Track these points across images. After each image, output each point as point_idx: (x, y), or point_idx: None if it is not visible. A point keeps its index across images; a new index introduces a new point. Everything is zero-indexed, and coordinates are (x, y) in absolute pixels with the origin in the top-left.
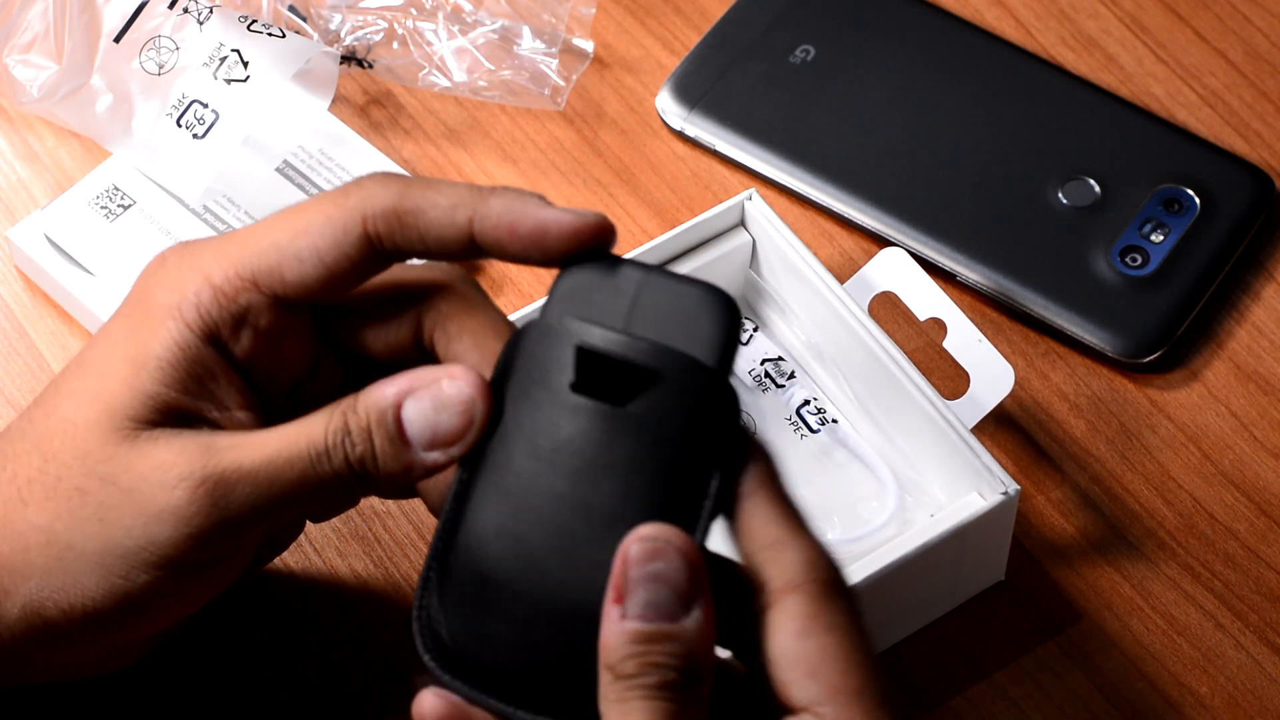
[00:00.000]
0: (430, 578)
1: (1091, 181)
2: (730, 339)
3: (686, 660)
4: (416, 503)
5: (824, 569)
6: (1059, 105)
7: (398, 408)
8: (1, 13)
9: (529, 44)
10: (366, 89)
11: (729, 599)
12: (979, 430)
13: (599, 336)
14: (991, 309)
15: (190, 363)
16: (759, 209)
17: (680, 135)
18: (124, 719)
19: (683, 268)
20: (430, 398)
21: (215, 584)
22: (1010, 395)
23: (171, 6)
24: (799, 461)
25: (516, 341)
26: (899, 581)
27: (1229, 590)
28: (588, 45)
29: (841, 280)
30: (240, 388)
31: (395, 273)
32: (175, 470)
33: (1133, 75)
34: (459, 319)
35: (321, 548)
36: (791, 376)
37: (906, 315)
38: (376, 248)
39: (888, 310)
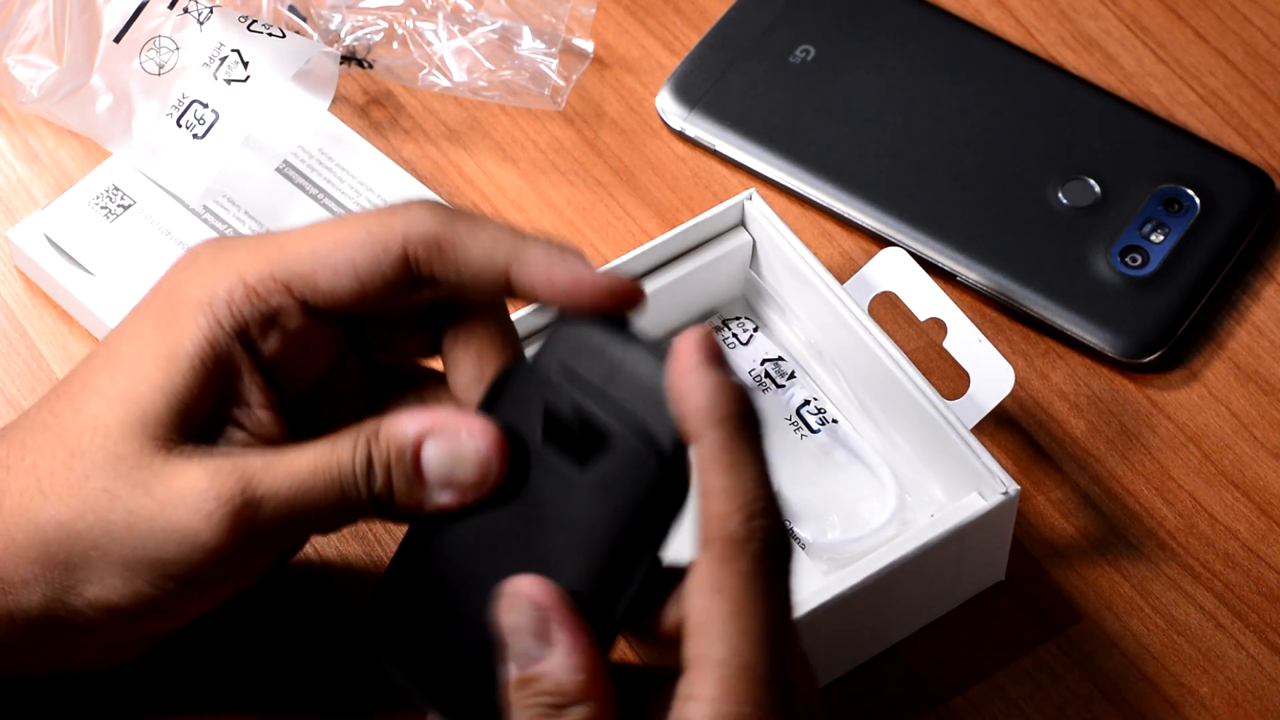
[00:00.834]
0: (391, 574)
1: (1091, 181)
2: None
3: (553, 694)
4: None
5: (735, 523)
6: (1059, 105)
7: (418, 448)
8: (1, 13)
9: (529, 44)
10: (366, 89)
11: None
12: (979, 430)
13: (569, 398)
14: (991, 309)
15: (220, 360)
16: (759, 209)
17: (680, 135)
18: (125, 715)
19: (683, 268)
20: (449, 446)
21: (236, 588)
22: (1010, 395)
23: (171, 6)
24: (799, 461)
25: (506, 378)
26: (899, 581)
27: (1229, 590)
28: (588, 45)
29: (841, 280)
30: (263, 386)
31: None
32: (212, 494)
33: (1133, 75)
34: (470, 326)
35: (321, 546)
36: (791, 376)
37: (906, 315)
38: (413, 272)
39: (888, 310)
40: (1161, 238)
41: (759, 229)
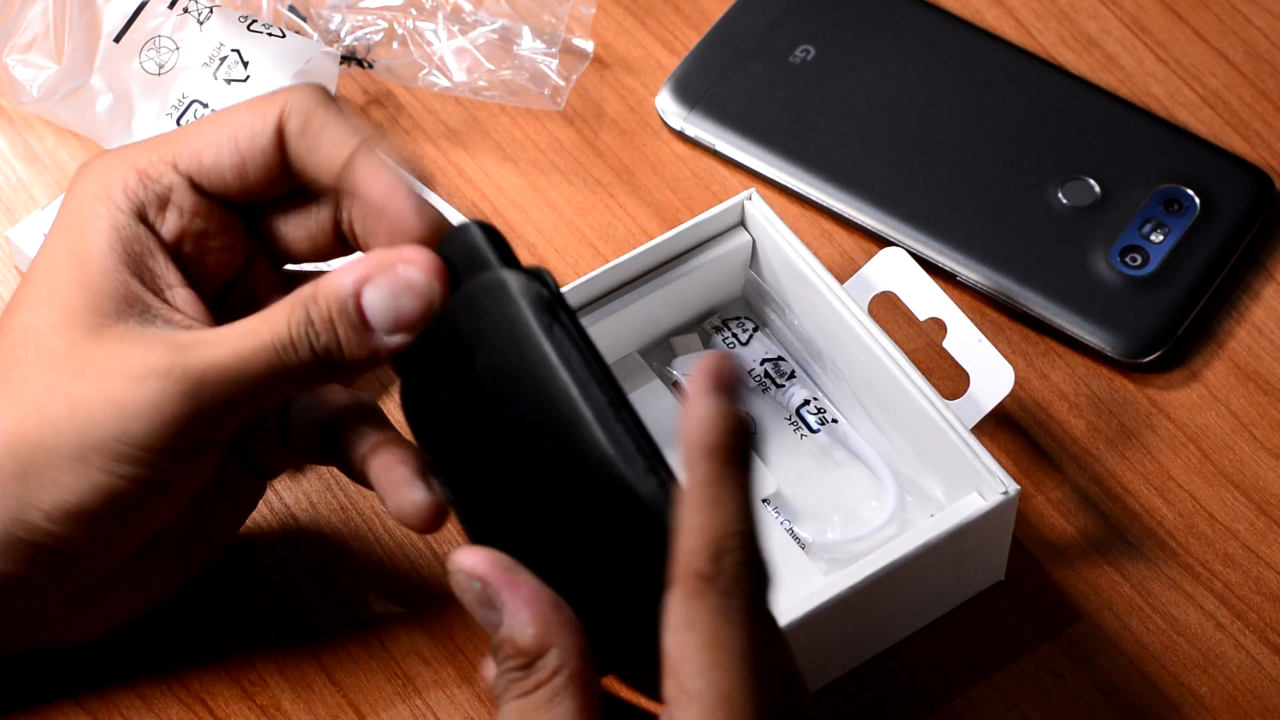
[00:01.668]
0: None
1: (1091, 181)
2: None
3: (515, 655)
4: None
5: (702, 560)
6: (1059, 105)
7: (357, 296)
8: (1, 13)
9: (529, 44)
10: (366, 89)
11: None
12: (979, 430)
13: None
14: (991, 309)
15: (125, 242)
16: (759, 209)
17: (680, 135)
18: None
19: (683, 268)
20: (389, 283)
21: (196, 476)
22: (1010, 395)
23: (171, 6)
24: (799, 461)
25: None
26: (899, 581)
27: (1229, 590)
28: (588, 45)
29: (841, 280)
30: (175, 267)
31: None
32: (143, 363)
33: (1133, 75)
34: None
35: (321, 545)
36: (791, 376)
37: (906, 315)
38: (286, 152)
39: (888, 310)
40: (1161, 238)
41: (759, 229)
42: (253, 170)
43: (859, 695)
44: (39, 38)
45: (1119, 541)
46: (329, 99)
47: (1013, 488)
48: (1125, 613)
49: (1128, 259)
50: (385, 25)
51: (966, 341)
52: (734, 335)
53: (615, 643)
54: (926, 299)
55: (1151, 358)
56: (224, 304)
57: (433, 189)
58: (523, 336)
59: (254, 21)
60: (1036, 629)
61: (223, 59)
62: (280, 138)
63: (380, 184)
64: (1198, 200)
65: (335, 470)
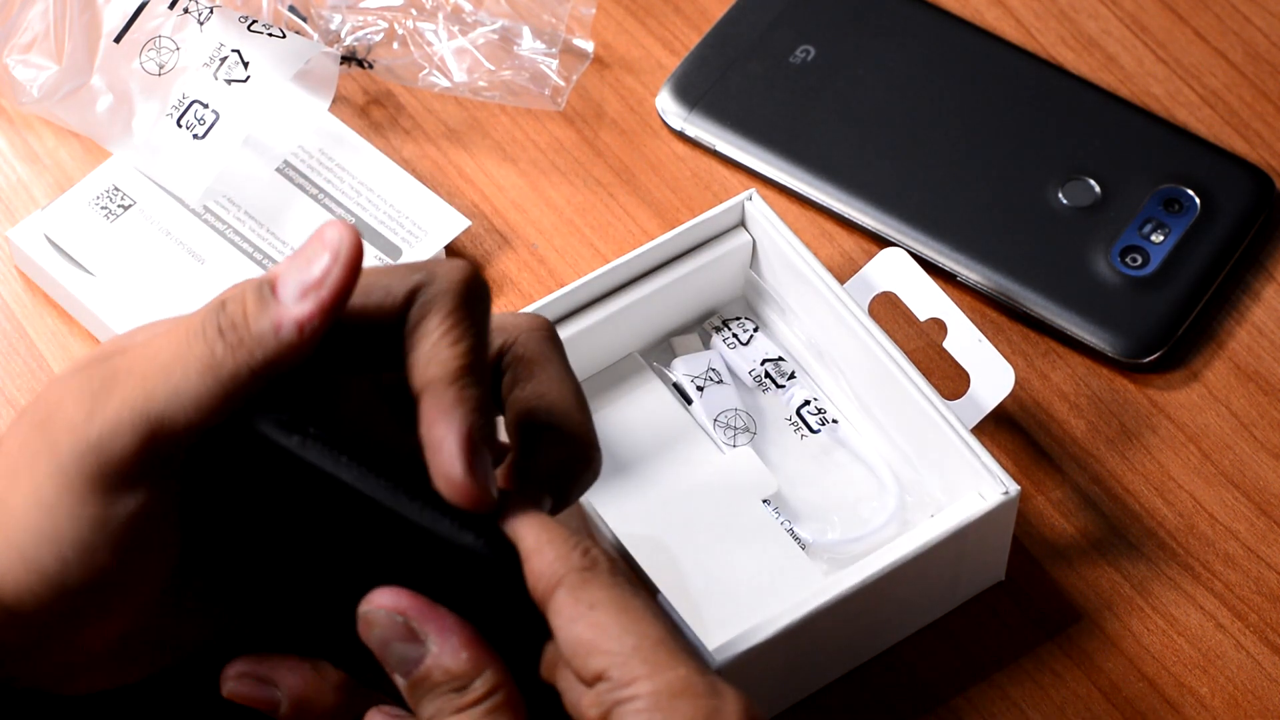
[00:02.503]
0: None
1: (1091, 181)
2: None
3: (447, 681)
4: None
5: (575, 559)
6: (1059, 105)
7: (275, 277)
8: (1, 13)
9: (529, 44)
10: (366, 89)
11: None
12: (979, 430)
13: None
14: (991, 309)
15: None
16: (759, 209)
17: (680, 135)
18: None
19: (683, 268)
20: (302, 258)
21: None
22: (1010, 395)
23: (171, 6)
24: (799, 461)
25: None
26: (899, 581)
27: (1229, 590)
28: (588, 45)
29: (841, 280)
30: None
31: None
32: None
33: (1133, 75)
34: None
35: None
36: (791, 376)
37: (906, 315)
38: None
39: (888, 310)
40: (1161, 238)
41: (759, 229)
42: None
43: (859, 695)
44: (39, 38)
45: (1119, 541)
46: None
47: (1013, 488)
48: (1125, 613)
49: (1128, 259)
50: (385, 25)
51: (966, 341)
52: (734, 335)
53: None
54: (926, 299)
55: (1151, 358)
56: None
57: (433, 189)
58: (288, 465)
59: (254, 22)
60: (1036, 629)
61: (223, 59)
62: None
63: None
64: (1198, 200)
65: None
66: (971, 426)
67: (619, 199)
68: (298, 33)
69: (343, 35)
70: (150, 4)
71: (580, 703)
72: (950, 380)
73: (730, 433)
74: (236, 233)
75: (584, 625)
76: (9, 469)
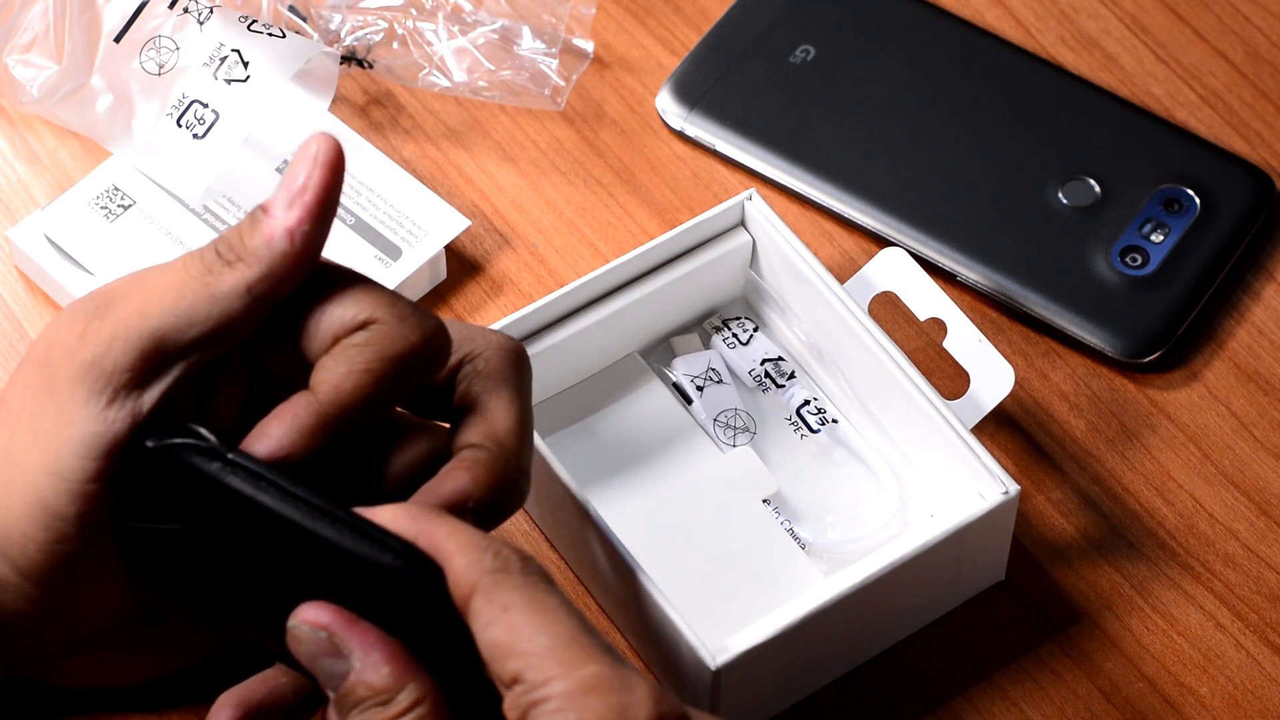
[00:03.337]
0: None
1: (1091, 181)
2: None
3: (372, 695)
4: None
5: (486, 562)
6: (1059, 105)
7: (268, 201)
8: (1, 13)
9: (529, 44)
10: (366, 89)
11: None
12: (979, 430)
13: None
14: (991, 309)
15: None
16: (759, 209)
17: (680, 135)
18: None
19: (683, 268)
20: (289, 175)
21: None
22: (1010, 395)
23: (171, 6)
24: (799, 461)
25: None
26: (899, 581)
27: (1229, 590)
28: (588, 45)
29: (841, 280)
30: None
31: None
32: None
33: (1133, 75)
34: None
35: None
36: (791, 376)
37: (906, 315)
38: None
39: (888, 310)
40: (1161, 238)
41: (759, 229)
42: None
43: (859, 695)
44: (39, 38)
45: (1119, 541)
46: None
47: (1013, 488)
48: (1125, 613)
49: (1128, 259)
50: (385, 25)
51: (966, 341)
52: (734, 335)
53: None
54: (926, 299)
55: (1151, 358)
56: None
57: (433, 189)
58: (213, 491)
59: (254, 21)
60: (1036, 629)
61: (223, 59)
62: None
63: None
64: (1198, 200)
65: None
66: (971, 426)
67: (619, 199)
68: (298, 33)
69: (343, 35)
70: (150, 4)
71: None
72: (950, 380)
73: (730, 432)
74: None
75: (499, 628)
76: (11, 413)
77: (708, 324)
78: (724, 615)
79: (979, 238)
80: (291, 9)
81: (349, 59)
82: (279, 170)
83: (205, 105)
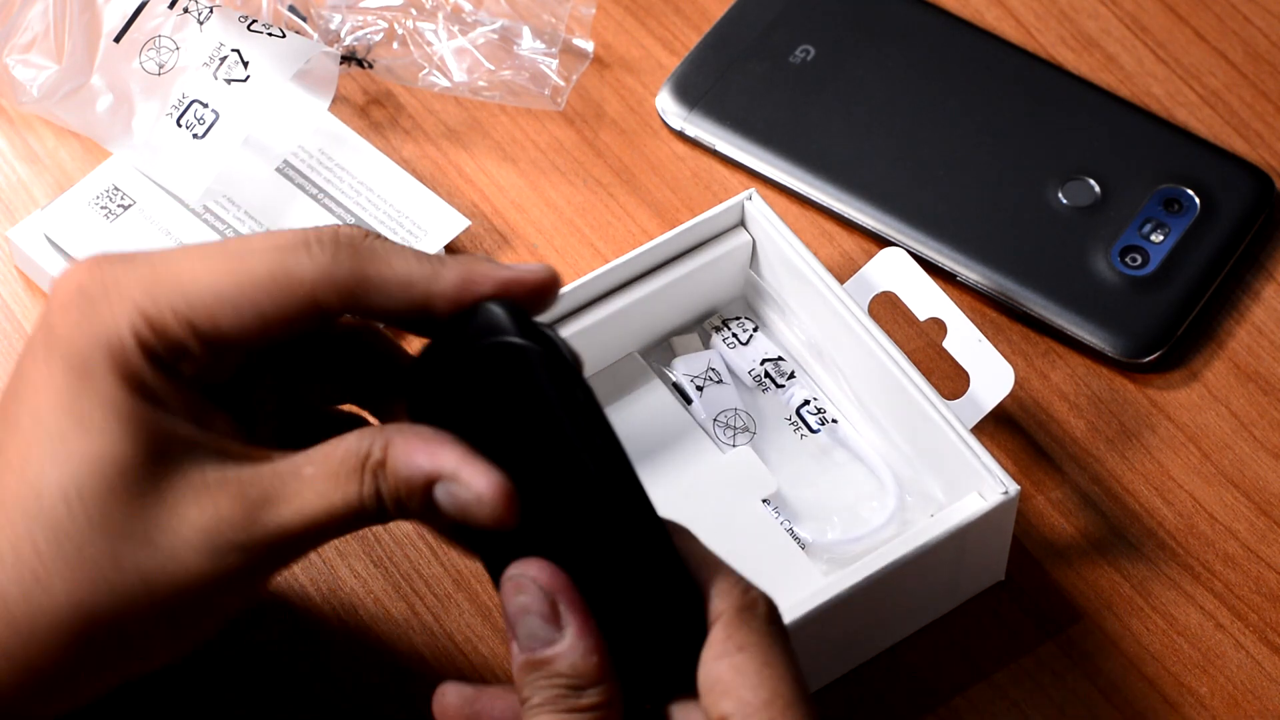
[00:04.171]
0: None
1: (1091, 181)
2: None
3: (569, 676)
4: None
5: (736, 596)
6: (1059, 105)
7: (428, 489)
8: (1, 13)
9: (529, 44)
10: (366, 89)
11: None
12: (979, 430)
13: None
14: (991, 309)
15: (147, 399)
16: (759, 209)
17: (680, 135)
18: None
19: (683, 268)
20: (462, 501)
21: (257, 599)
22: (1010, 395)
23: (171, 6)
24: (799, 461)
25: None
26: (899, 581)
27: (1229, 590)
28: (588, 45)
29: (841, 280)
30: (203, 404)
31: None
32: (224, 537)
33: (1133, 75)
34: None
35: (322, 547)
36: (791, 376)
37: (906, 315)
38: (324, 312)
39: (888, 310)
40: (1161, 238)
41: (759, 229)
42: (277, 333)
43: (859, 695)
44: (39, 38)
45: (1119, 541)
46: (357, 249)
47: (1013, 488)
48: (1125, 613)
49: (1128, 259)
50: (385, 25)
51: (966, 341)
52: (734, 335)
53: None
54: (926, 299)
55: (1151, 358)
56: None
57: (433, 190)
58: (540, 404)
59: (254, 21)
60: (1036, 629)
61: (223, 59)
62: (314, 306)
63: (475, 274)
64: (1198, 200)
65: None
66: (971, 426)
67: (619, 199)
68: (298, 33)
69: (343, 35)
70: (150, 4)
71: None
72: (950, 380)
73: (730, 432)
74: (236, 233)
75: (726, 665)
76: (14, 390)
77: (708, 324)
78: None
79: (979, 238)
80: (291, 9)
81: (349, 59)
82: (279, 170)
83: (205, 105)
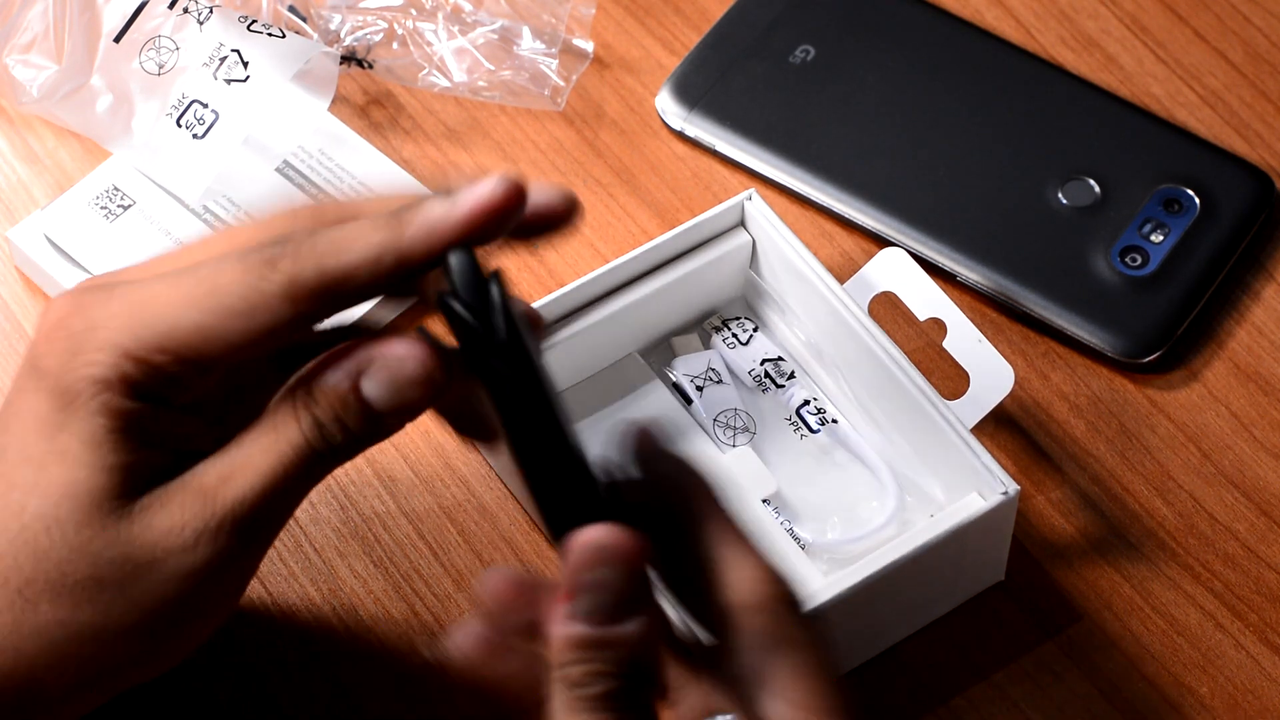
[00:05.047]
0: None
1: (1091, 181)
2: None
3: (630, 667)
4: (416, 503)
5: (783, 586)
6: (1059, 105)
7: (356, 391)
8: (1, 13)
9: (529, 44)
10: (366, 89)
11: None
12: (979, 430)
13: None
14: (991, 309)
15: (135, 424)
16: (759, 209)
17: (680, 135)
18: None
19: (683, 268)
20: (387, 374)
21: (244, 587)
22: (1010, 395)
23: (171, 6)
24: (799, 461)
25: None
26: (899, 581)
27: (1229, 590)
28: (588, 45)
29: (841, 280)
30: (190, 422)
31: None
32: (189, 529)
33: (1133, 75)
34: None
35: (321, 547)
36: (791, 376)
37: (906, 315)
38: (308, 318)
39: (888, 310)
40: (1161, 238)
41: (759, 229)
42: (265, 348)
43: (859, 695)
44: (39, 38)
45: (1119, 541)
46: (317, 239)
47: (1013, 488)
48: (1125, 613)
49: (1128, 259)
50: (385, 25)
51: (966, 341)
52: (734, 335)
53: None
54: (926, 299)
55: (1151, 358)
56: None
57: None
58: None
59: (254, 21)
60: (1036, 629)
61: (223, 59)
62: (296, 314)
63: (437, 224)
64: (1198, 200)
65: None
66: (971, 426)
67: (619, 199)
68: (297, 33)
69: (343, 35)
70: (150, 4)
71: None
72: (950, 380)
73: (730, 432)
74: None
75: (783, 663)
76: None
77: (708, 324)
78: None
79: (979, 238)
80: (291, 9)
81: (349, 59)
82: (279, 170)
83: (205, 105)
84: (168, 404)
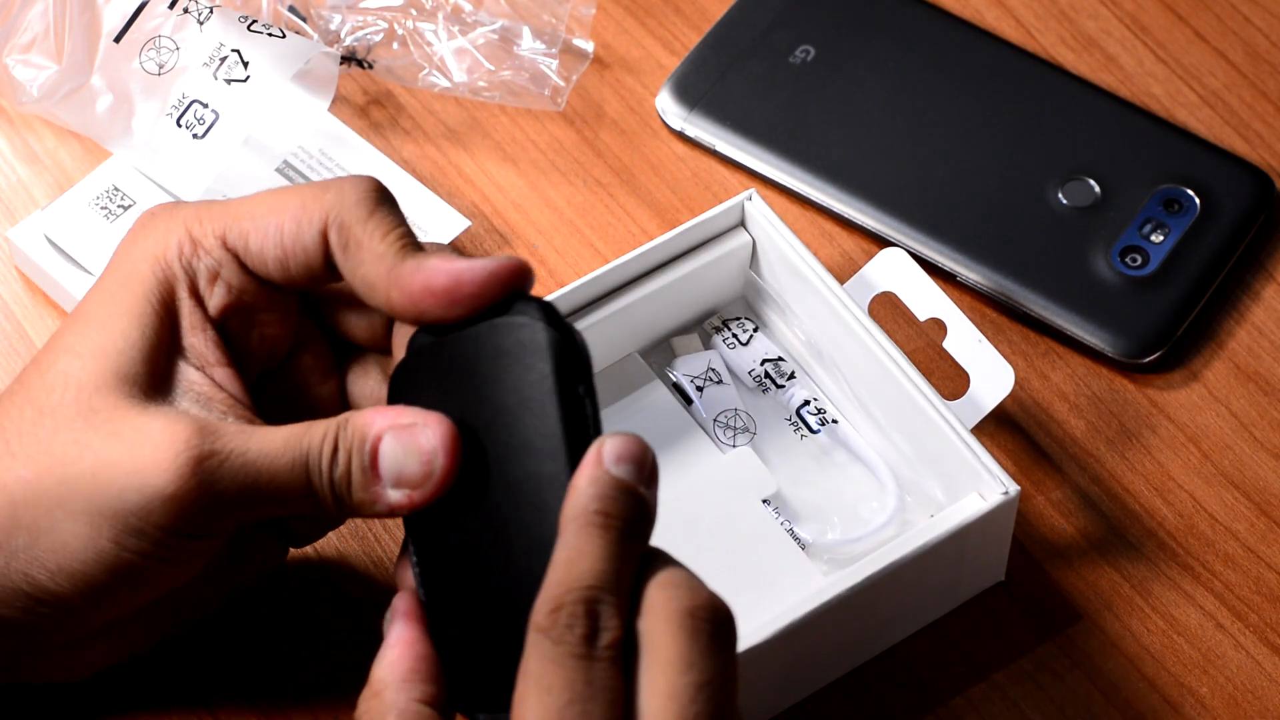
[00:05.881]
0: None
1: (1091, 181)
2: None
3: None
4: None
5: (539, 616)
6: (1059, 105)
7: (378, 440)
8: (1, 13)
9: (529, 44)
10: (366, 89)
11: None
12: (979, 430)
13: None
14: (991, 309)
15: (176, 312)
16: (759, 209)
17: (680, 135)
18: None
19: (683, 268)
20: (404, 440)
21: (198, 559)
22: (1010, 395)
23: (171, 6)
24: (799, 461)
25: (417, 363)
26: (899, 582)
27: (1229, 590)
28: (588, 45)
29: (841, 280)
30: (218, 343)
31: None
32: (181, 439)
33: (1133, 75)
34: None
35: (321, 547)
36: (791, 376)
37: (906, 315)
38: (329, 254)
39: (888, 310)
40: (1161, 238)
41: (759, 229)
42: (294, 267)
43: (859, 695)
44: (39, 38)
45: (1119, 541)
46: (374, 202)
47: (1013, 488)
48: (1125, 613)
49: (1128, 259)
50: (385, 25)
51: (966, 342)
52: (734, 335)
53: (478, 686)
54: (926, 299)
55: (1151, 358)
56: (273, 389)
57: (433, 190)
58: (537, 388)
59: (254, 21)
60: (1036, 629)
61: (223, 59)
62: (325, 241)
63: (416, 288)
64: (1198, 200)
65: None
66: (971, 426)
67: (619, 199)
68: (297, 33)
69: (343, 35)
70: (150, 4)
71: None
72: (950, 380)
73: (730, 433)
74: None
75: (518, 684)
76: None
77: (708, 324)
78: None
79: (979, 238)
80: (291, 9)
81: (349, 59)
82: (279, 170)
83: (205, 105)
84: (205, 311)
